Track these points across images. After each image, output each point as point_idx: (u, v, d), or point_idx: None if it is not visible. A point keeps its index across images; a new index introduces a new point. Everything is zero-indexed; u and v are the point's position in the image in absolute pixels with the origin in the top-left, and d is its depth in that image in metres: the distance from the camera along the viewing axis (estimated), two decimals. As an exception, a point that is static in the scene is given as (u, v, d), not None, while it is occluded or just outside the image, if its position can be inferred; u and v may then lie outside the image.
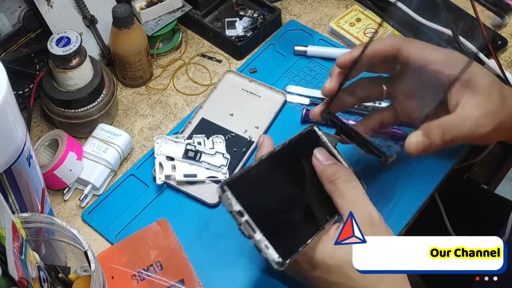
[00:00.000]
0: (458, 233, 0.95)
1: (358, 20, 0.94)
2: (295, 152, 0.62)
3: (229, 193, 0.54)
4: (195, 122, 0.84)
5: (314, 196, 0.61)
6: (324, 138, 0.65)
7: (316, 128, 0.65)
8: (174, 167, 0.78)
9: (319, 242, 0.58)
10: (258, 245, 0.54)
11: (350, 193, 0.59)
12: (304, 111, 0.84)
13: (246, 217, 0.54)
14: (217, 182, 0.78)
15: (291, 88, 0.87)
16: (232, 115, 0.85)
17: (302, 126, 0.84)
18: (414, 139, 0.63)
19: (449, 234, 0.95)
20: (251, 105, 0.85)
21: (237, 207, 0.54)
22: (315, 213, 0.59)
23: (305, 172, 0.62)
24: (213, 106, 0.85)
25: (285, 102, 0.86)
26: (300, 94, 0.87)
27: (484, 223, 1.03)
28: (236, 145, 0.82)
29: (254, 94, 0.86)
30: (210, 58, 0.93)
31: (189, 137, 0.81)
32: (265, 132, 0.83)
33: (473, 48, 0.89)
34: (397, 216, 0.75)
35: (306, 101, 0.86)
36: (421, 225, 0.82)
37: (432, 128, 0.63)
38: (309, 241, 0.56)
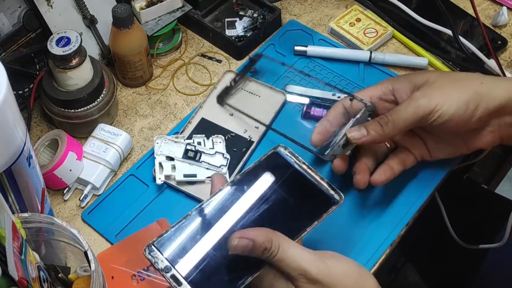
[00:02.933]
0: (458, 233, 0.95)
1: (358, 20, 0.94)
2: (250, 184, 0.60)
3: (156, 252, 0.55)
4: (195, 122, 0.84)
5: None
6: (293, 160, 0.61)
7: (281, 149, 0.62)
8: (174, 167, 0.78)
9: (262, 282, 0.56)
10: None
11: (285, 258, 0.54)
12: (305, 108, 0.84)
13: (172, 271, 0.54)
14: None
15: (291, 88, 0.87)
16: (232, 115, 0.85)
17: (303, 123, 0.84)
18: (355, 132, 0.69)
19: (449, 234, 0.95)
20: (251, 105, 0.85)
21: (163, 264, 0.55)
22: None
23: (259, 207, 0.59)
24: (213, 106, 0.85)
25: (285, 101, 0.86)
26: (300, 94, 0.87)
27: (484, 223, 1.03)
28: (236, 145, 0.82)
29: (254, 94, 0.86)
30: (210, 58, 0.93)
31: (189, 137, 0.81)
32: (265, 132, 0.83)
33: (473, 48, 0.89)
34: (397, 216, 0.75)
35: (306, 100, 0.86)
36: (421, 225, 0.82)
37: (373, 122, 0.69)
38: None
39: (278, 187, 0.60)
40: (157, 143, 0.79)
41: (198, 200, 0.77)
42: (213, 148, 0.80)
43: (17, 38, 0.81)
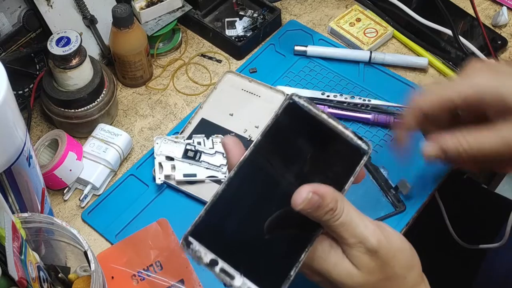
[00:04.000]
0: (458, 233, 0.95)
1: (358, 20, 0.94)
2: (275, 144, 0.51)
3: (196, 244, 0.47)
4: (195, 122, 0.84)
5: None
6: (311, 108, 0.52)
7: (296, 98, 0.52)
8: (173, 167, 0.78)
9: (315, 252, 0.49)
10: None
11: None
12: None
13: (220, 264, 0.46)
14: (217, 181, 0.78)
15: (285, 89, 0.86)
16: (232, 115, 0.85)
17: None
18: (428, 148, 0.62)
19: (449, 234, 0.95)
20: (251, 105, 0.85)
21: (207, 258, 0.46)
22: (303, 224, 0.49)
23: (292, 167, 0.50)
24: (213, 106, 0.85)
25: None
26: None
27: (484, 223, 1.03)
28: (236, 145, 0.82)
29: (254, 94, 0.86)
30: (210, 58, 0.93)
31: (189, 137, 0.81)
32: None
33: (473, 48, 0.89)
34: (397, 216, 0.75)
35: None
36: (421, 225, 0.82)
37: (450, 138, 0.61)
38: (297, 265, 0.48)
39: (304, 143, 0.52)
40: (157, 143, 0.79)
41: (198, 200, 0.77)
42: (213, 148, 0.80)
43: (17, 38, 0.81)
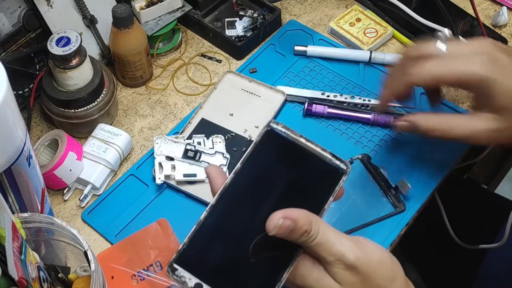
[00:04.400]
0: (458, 233, 0.95)
1: (358, 20, 0.94)
2: (255, 170, 0.53)
3: (180, 270, 0.48)
4: (195, 122, 0.84)
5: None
6: (289, 133, 0.55)
7: (274, 125, 0.54)
8: (173, 167, 0.78)
9: (298, 269, 0.51)
10: None
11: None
12: (306, 105, 0.84)
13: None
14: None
15: (284, 89, 0.87)
16: (232, 115, 0.85)
17: (303, 122, 0.84)
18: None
19: (449, 234, 0.95)
20: (251, 105, 0.85)
21: (192, 282, 0.48)
22: (284, 245, 0.50)
23: (272, 192, 0.53)
24: (213, 106, 0.85)
25: (285, 101, 0.86)
26: (295, 95, 0.87)
27: (484, 223, 1.03)
28: (236, 144, 0.82)
29: (254, 94, 0.86)
30: (210, 58, 0.93)
31: (189, 137, 0.81)
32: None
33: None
34: (397, 216, 0.75)
35: (304, 100, 0.86)
36: (421, 225, 0.82)
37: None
38: (279, 284, 0.49)
39: (283, 168, 0.54)
40: (157, 143, 0.79)
41: (198, 200, 0.77)
42: (213, 148, 0.80)
43: (17, 38, 0.81)
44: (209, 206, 0.51)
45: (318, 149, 0.54)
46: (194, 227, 0.50)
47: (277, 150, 0.55)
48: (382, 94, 0.72)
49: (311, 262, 0.51)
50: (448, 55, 0.65)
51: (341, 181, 0.53)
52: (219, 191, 0.52)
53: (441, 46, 0.66)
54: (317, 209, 0.52)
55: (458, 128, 0.66)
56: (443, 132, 0.67)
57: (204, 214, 0.51)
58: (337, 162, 0.54)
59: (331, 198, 0.53)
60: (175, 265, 0.49)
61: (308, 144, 0.55)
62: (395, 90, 0.69)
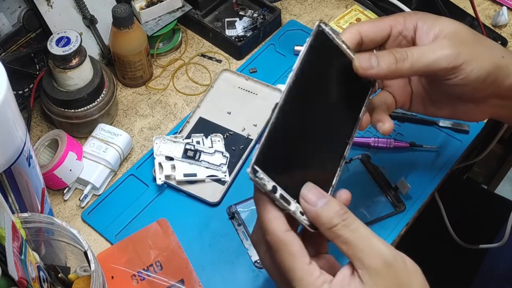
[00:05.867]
0: (458, 233, 0.95)
1: (358, 20, 0.94)
2: (311, 72, 0.55)
3: (260, 173, 0.49)
4: (193, 121, 0.84)
5: (343, 122, 0.58)
6: (336, 39, 0.57)
7: (323, 26, 0.56)
8: (173, 167, 0.78)
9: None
10: (294, 215, 0.51)
11: (352, 238, 0.50)
12: None
13: (279, 191, 0.50)
14: (217, 180, 0.78)
15: (283, 87, 0.87)
16: (229, 113, 0.85)
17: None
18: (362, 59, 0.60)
19: (449, 234, 0.95)
20: (248, 103, 0.85)
21: (269, 185, 0.50)
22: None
23: (330, 95, 0.57)
24: (210, 105, 0.85)
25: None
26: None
27: (484, 223, 1.03)
28: (235, 143, 0.82)
29: (251, 92, 0.86)
30: (210, 58, 0.93)
31: (188, 137, 0.81)
32: (264, 130, 0.83)
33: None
34: (397, 216, 0.75)
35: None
36: (421, 225, 0.82)
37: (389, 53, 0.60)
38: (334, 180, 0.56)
39: (331, 69, 0.57)
40: (156, 143, 0.79)
41: (198, 200, 0.77)
42: (212, 147, 0.80)
43: (17, 38, 0.81)
44: (277, 107, 0.52)
45: (355, 57, 0.59)
46: (268, 128, 0.52)
47: (325, 52, 0.57)
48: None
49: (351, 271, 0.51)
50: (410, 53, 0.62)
51: (370, 89, 0.60)
52: (284, 91, 0.53)
53: None
54: (356, 115, 0.59)
55: (423, 56, 0.60)
56: (412, 64, 0.60)
57: (274, 115, 0.52)
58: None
59: (364, 108, 0.60)
60: (256, 167, 0.50)
61: (348, 51, 0.59)
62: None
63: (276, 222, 0.50)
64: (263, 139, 0.51)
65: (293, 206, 0.51)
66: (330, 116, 0.57)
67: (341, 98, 0.58)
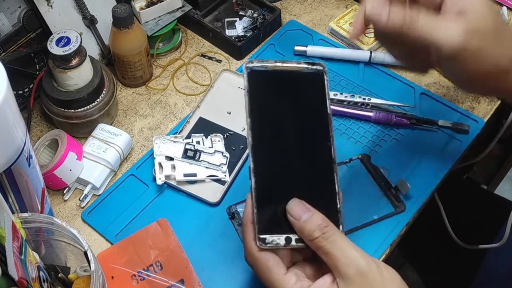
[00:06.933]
0: (458, 233, 0.95)
1: (358, 20, 0.94)
2: (263, 115, 0.58)
3: (268, 237, 0.55)
4: (193, 121, 0.84)
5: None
6: (266, 65, 0.59)
7: (249, 65, 0.59)
8: (173, 167, 0.78)
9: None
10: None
11: (330, 249, 0.55)
12: None
13: (293, 238, 0.56)
14: (217, 180, 0.78)
15: None
16: (229, 113, 0.85)
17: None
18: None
19: (449, 235, 0.95)
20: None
21: (282, 241, 0.56)
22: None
23: (289, 123, 0.58)
24: (210, 105, 0.85)
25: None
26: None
27: (484, 223, 1.03)
28: (235, 143, 0.82)
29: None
30: (210, 58, 0.93)
31: (188, 137, 0.81)
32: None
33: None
34: (397, 216, 0.75)
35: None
36: (421, 225, 0.82)
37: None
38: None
39: (280, 96, 0.59)
40: (156, 143, 0.79)
41: (198, 200, 0.77)
42: (212, 147, 0.80)
43: (17, 38, 0.81)
44: (251, 171, 0.56)
45: (294, 64, 0.60)
46: (254, 195, 0.56)
47: (266, 84, 0.59)
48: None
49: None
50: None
51: (325, 80, 0.60)
52: (249, 153, 0.57)
53: None
54: (325, 114, 0.59)
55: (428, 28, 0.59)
56: (417, 31, 0.59)
57: (252, 179, 0.56)
58: (315, 67, 0.60)
59: (328, 101, 0.60)
60: (262, 236, 0.55)
61: (285, 65, 0.60)
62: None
63: (251, 243, 0.56)
64: (255, 209, 0.55)
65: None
66: (302, 136, 0.59)
67: (302, 110, 0.59)
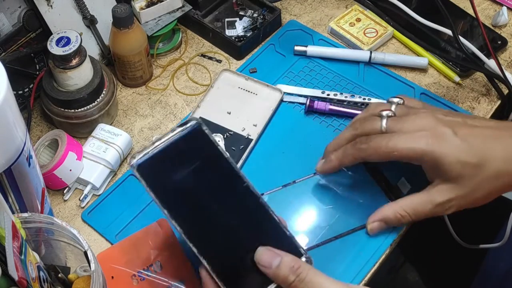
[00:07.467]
0: (458, 233, 0.95)
1: (358, 20, 0.94)
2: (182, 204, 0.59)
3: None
4: (195, 121, 0.84)
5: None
6: (148, 152, 0.59)
7: (135, 160, 0.58)
8: (174, 167, 0.78)
9: None
10: None
11: None
12: (308, 101, 0.84)
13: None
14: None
15: (284, 87, 0.87)
16: (229, 113, 0.85)
17: (304, 122, 0.84)
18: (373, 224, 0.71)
19: (449, 234, 0.95)
20: (248, 103, 0.85)
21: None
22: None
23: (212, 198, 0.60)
24: (210, 105, 0.85)
25: (282, 99, 0.86)
26: (291, 94, 0.87)
27: (484, 223, 1.03)
28: (235, 143, 0.82)
29: (251, 92, 0.86)
30: (210, 58, 0.93)
31: (189, 137, 0.81)
32: (263, 129, 0.83)
33: (473, 48, 0.89)
34: (397, 216, 0.75)
35: (303, 99, 0.86)
36: (421, 225, 0.82)
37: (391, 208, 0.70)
38: None
39: (182, 170, 0.59)
40: (157, 143, 0.79)
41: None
42: (213, 148, 0.80)
43: (17, 38, 0.81)
44: (198, 255, 0.57)
45: (171, 134, 0.59)
46: (215, 275, 0.56)
47: (159, 169, 0.58)
48: (328, 159, 0.74)
49: None
50: (394, 131, 0.68)
51: (205, 131, 0.59)
52: (186, 240, 0.57)
53: (384, 124, 0.69)
54: (224, 160, 0.60)
55: (422, 208, 0.69)
56: (413, 217, 0.70)
57: (204, 262, 0.57)
58: (189, 125, 0.59)
59: (220, 147, 0.60)
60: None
61: (163, 139, 0.58)
62: (343, 161, 0.72)
63: None
64: (224, 286, 0.56)
65: None
66: (219, 193, 0.59)
67: (205, 170, 0.59)
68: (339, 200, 0.75)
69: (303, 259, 0.58)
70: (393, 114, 0.70)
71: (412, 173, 0.79)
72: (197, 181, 0.59)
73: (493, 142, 0.65)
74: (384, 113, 0.69)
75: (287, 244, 0.58)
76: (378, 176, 0.78)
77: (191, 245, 0.57)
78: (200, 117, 0.84)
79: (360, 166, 0.79)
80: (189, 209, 0.58)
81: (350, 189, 0.76)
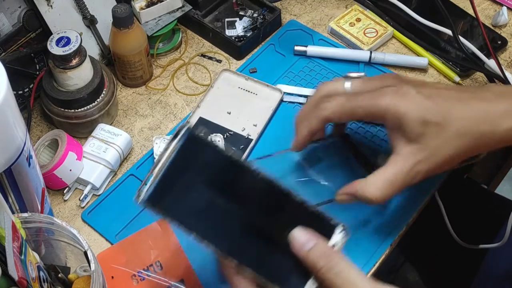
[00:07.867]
0: (458, 233, 0.95)
1: (358, 20, 0.94)
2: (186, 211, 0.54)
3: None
4: (193, 121, 0.84)
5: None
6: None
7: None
8: (174, 167, 0.78)
9: None
10: None
11: (336, 282, 0.51)
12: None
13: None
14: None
15: (284, 87, 0.87)
16: (229, 113, 0.85)
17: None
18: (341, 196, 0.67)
19: (449, 234, 0.95)
20: (248, 103, 0.85)
21: None
22: None
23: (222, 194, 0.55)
24: (210, 105, 0.85)
25: (282, 99, 0.86)
26: (291, 94, 0.87)
27: (484, 223, 1.03)
28: (235, 143, 0.82)
29: (251, 92, 0.86)
30: (210, 58, 0.93)
31: (189, 137, 0.81)
32: (263, 129, 0.83)
33: (473, 48, 0.89)
34: (397, 217, 0.75)
35: (303, 99, 0.86)
36: (421, 225, 0.82)
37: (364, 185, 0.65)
38: None
39: (199, 188, 0.56)
40: (156, 143, 0.79)
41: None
42: (213, 148, 0.80)
43: (17, 38, 0.81)
44: (244, 266, 0.53)
45: (170, 148, 0.55)
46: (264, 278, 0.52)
47: (168, 193, 0.56)
48: (297, 131, 0.71)
49: None
50: (358, 91, 0.67)
51: (200, 134, 0.56)
52: (230, 257, 0.54)
53: (347, 84, 0.68)
54: (230, 158, 0.56)
55: (396, 178, 0.66)
56: (385, 192, 0.66)
57: (248, 270, 0.53)
58: (181, 133, 0.55)
59: (220, 147, 0.59)
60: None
61: (166, 154, 0.55)
62: (310, 126, 0.69)
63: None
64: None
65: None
66: (239, 198, 0.55)
67: (216, 178, 0.55)
68: (316, 175, 0.73)
69: (340, 227, 0.53)
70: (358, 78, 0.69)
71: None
72: (211, 189, 0.54)
73: (456, 102, 0.63)
74: (349, 75, 0.70)
75: (319, 222, 0.53)
76: (357, 154, 0.76)
77: (232, 259, 0.52)
78: (200, 117, 0.84)
79: (340, 144, 0.77)
80: (214, 222, 0.54)
81: (334, 172, 0.75)
